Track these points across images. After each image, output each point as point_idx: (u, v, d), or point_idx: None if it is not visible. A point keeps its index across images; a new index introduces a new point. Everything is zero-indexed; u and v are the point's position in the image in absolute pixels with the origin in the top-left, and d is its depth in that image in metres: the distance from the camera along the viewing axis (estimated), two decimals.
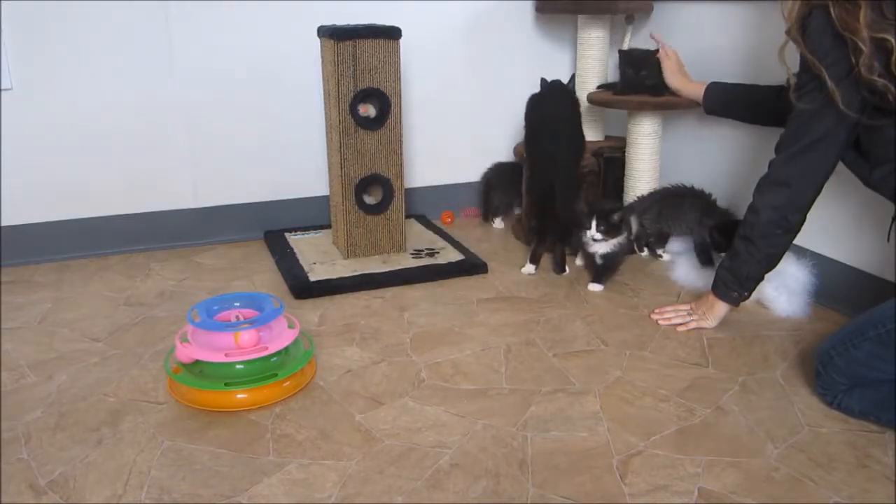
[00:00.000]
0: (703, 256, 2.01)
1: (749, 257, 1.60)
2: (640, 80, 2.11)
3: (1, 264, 2.15)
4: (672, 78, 2.05)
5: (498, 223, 2.51)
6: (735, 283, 1.65)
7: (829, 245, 1.84)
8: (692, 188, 2.10)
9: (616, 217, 1.89)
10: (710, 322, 1.72)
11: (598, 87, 2.33)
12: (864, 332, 1.36)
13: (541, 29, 2.56)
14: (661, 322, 1.76)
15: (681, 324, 1.73)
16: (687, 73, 2.07)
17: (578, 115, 2.10)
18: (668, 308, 1.80)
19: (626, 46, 2.38)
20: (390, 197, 2.13)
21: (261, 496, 1.18)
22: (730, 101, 1.92)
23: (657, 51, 2.09)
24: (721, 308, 1.70)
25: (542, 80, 2.12)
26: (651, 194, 2.18)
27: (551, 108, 2.08)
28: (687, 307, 1.77)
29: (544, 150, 2.04)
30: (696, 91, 1.98)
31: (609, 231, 1.90)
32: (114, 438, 1.33)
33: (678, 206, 2.08)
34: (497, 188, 2.51)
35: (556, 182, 2.00)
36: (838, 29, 1.32)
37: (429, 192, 2.56)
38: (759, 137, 2.02)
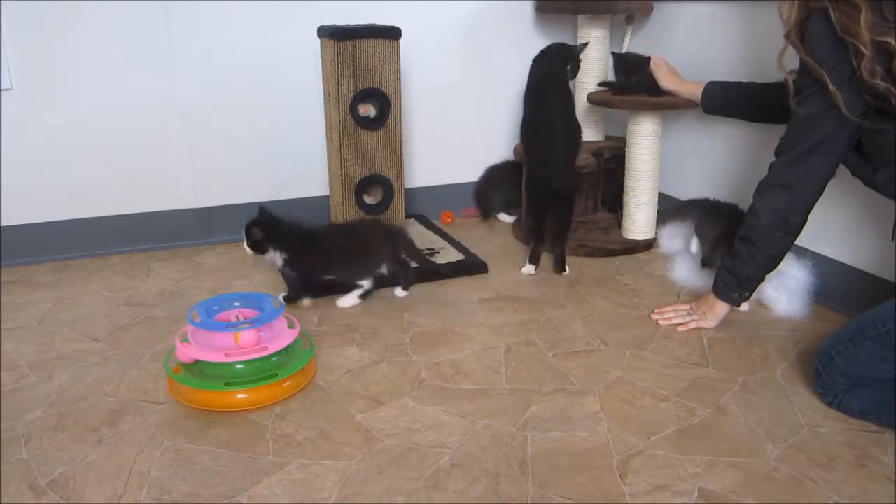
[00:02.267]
0: (705, 262, 1.96)
1: (749, 259, 1.60)
2: (632, 84, 2.11)
3: (1, 264, 2.15)
4: (666, 83, 2.04)
5: (505, 217, 2.52)
6: (735, 284, 1.65)
7: (829, 245, 1.84)
8: (722, 204, 2.06)
9: (257, 232, 1.76)
10: (711, 322, 1.71)
11: (600, 84, 2.32)
12: (864, 331, 1.35)
13: (541, 29, 2.56)
14: (661, 322, 1.76)
15: (681, 324, 1.73)
16: (679, 75, 2.05)
17: (572, 107, 2.08)
18: (668, 308, 1.79)
19: (625, 47, 2.38)
20: (390, 197, 2.13)
21: (261, 496, 1.18)
22: (729, 100, 1.91)
23: (649, 58, 2.09)
24: (721, 308, 1.70)
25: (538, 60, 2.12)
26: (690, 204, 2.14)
27: (543, 103, 2.06)
28: (687, 307, 1.77)
29: (539, 147, 2.04)
30: (693, 91, 1.97)
31: (255, 247, 1.78)
32: (114, 438, 1.33)
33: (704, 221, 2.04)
34: (490, 189, 2.53)
35: (553, 180, 1.99)
36: (839, 33, 1.31)
37: (429, 192, 2.56)
38: (760, 138, 2.02)
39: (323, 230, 1.87)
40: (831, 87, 1.35)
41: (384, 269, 1.89)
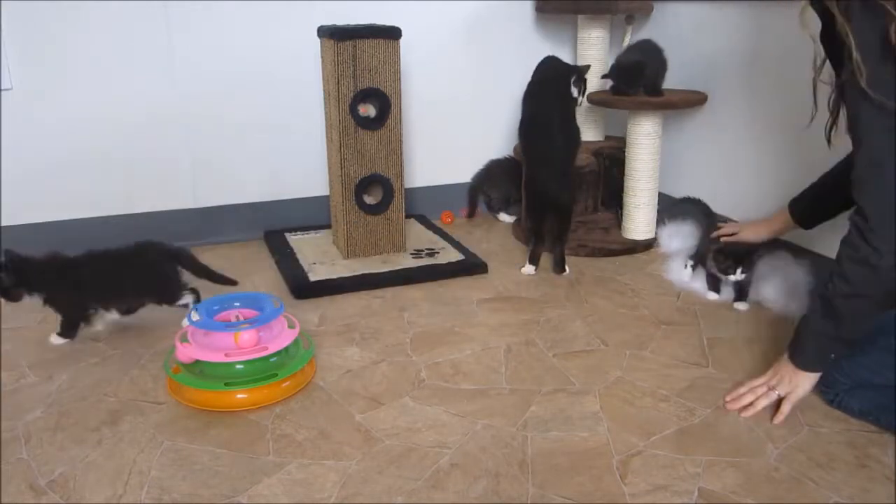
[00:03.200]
0: (712, 282, 1.91)
1: (865, 316, 1.29)
2: (634, 92, 2.13)
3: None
4: (757, 236, 1.81)
5: (505, 217, 2.53)
6: (843, 347, 1.34)
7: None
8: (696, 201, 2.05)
9: (4, 279, 1.60)
10: (803, 391, 1.38)
11: (603, 77, 2.32)
12: (874, 339, 1.33)
13: (541, 29, 2.56)
14: (730, 407, 1.42)
15: (767, 404, 1.40)
16: (757, 224, 1.83)
17: (572, 110, 2.09)
18: (742, 389, 1.44)
19: (625, 47, 2.38)
20: (390, 197, 2.13)
21: (261, 496, 1.18)
22: (825, 208, 1.64)
23: (640, 62, 2.09)
24: (810, 377, 1.39)
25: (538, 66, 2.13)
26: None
27: (542, 104, 2.06)
28: (762, 381, 1.43)
29: (538, 149, 2.04)
30: (781, 223, 1.75)
31: (5, 295, 1.62)
32: (114, 438, 1.33)
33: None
34: (489, 186, 2.53)
35: (550, 181, 1.99)
36: None
37: (429, 192, 2.57)
38: (761, 138, 2.02)
39: (86, 260, 1.69)
40: (854, 55, 1.14)
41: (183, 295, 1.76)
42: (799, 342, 1.38)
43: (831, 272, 1.30)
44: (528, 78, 2.11)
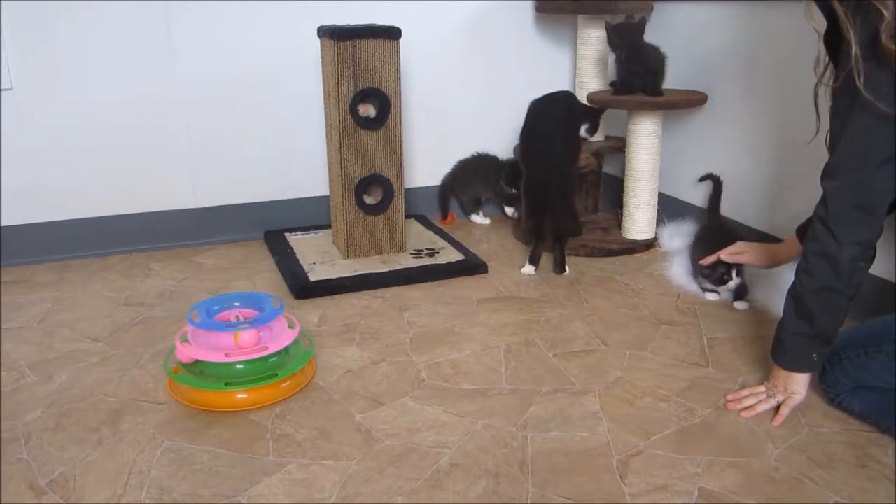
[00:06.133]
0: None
1: (835, 309, 1.29)
2: (631, 65, 2.15)
3: (1, 264, 2.15)
4: (763, 263, 1.73)
5: (480, 219, 2.54)
6: (822, 344, 1.33)
7: None
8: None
9: None
10: (799, 396, 1.39)
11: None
12: (880, 343, 1.32)
13: (541, 29, 2.56)
14: (732, 407, 1.42)
15: (766, 408, 1.41)
16: (763, 248, 1.74)
17: (574, 116, 2.10)
18: (745, 392, 1.45)
19: None
20: (390, 197, 2.13)
21: (261, 496, 1.18)
22: None
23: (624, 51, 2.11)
24: (802, 377, 1.39)
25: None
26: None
27: (544, 110, 2.09)
28: (762, 388, 1.44)
29: (537, 152, 2.05)
30: (789, 248, 1.66)
31: None
32: (114, 438, 1.33)
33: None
34: (457, 188, 2.54)
35: (550, 182, 2.00)
36: None
37: (429, 192, 2.57)
38: (760, 137, 2.02)
39: None
40: (854, 50, 1.14)
41: None
42: (779, 344, 1.39)
43: (797, 269, 1.32)
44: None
